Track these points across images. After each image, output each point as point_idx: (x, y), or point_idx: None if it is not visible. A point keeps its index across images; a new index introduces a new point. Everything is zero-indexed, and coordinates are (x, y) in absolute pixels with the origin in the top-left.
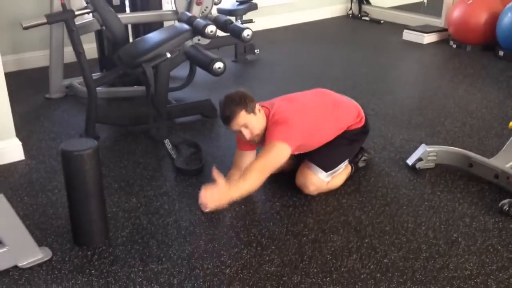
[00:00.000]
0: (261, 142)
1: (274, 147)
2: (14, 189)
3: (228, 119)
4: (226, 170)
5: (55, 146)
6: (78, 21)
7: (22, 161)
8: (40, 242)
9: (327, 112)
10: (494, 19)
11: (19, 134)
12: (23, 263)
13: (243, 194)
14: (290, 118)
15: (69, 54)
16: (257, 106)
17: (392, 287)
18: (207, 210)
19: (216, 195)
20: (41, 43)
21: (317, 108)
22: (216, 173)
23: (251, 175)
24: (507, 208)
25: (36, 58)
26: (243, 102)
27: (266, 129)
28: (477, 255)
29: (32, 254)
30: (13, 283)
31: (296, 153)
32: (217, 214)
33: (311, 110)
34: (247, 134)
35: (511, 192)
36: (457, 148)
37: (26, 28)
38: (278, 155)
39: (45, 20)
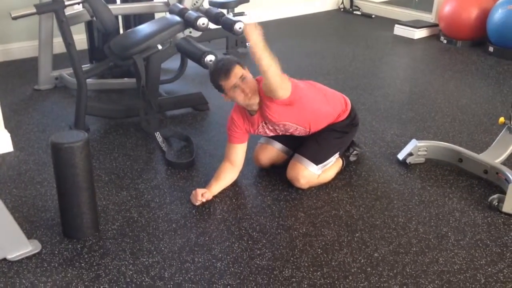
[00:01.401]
0: (255, 115)
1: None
2: (2, 181)
3: (227, 71)
4: (217, 164)
5: (44, 138)
6: (68, 11)
7: (10, 153)
8: (29, 235)
9: (319, 93)
10: (484, 15)
11: (8, 125)
12: (12, 256)
13: (268, 65)
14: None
15: (58, 45)
16: (246, 67)
17: (382, 281)
18: (252, 31)
19: (259, 32)
20: (30, 33)
21: (309, 88)
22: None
23: (275, 64)
24: (496, 203)
25: (25, 48)
26: (236, 58)
27: (260, 98)
28: (466, 250)
29: (21, 247)
30: (2, 276)
31: (293, 132)
32: (208, 207)
33: (304, 85)
34: (245, 87)
35: (500, 187)
36: (447, 143)
37: (15, 18)
38: (283, 76)
39: (34, 10)
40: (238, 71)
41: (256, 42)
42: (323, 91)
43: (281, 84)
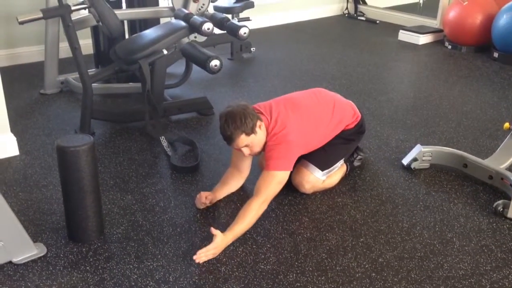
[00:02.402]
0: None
1: (273, 177)
2: (8, 185)
3: (228, 139)
4: (222, 168)
5: (50, 141)
6: (74, 16)
7: (16, 156)
8: (35, 238)
9: (327, 113)
10: (489, 20)
11: (14, 129)
12: (18, 259)
13: (239, 235)
14: (290, 133)
15: (64, 50)
16: (258, 123)
17: (387, 286)
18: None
19: (210, 251)
20: (36, 38)
21: (317, 111)
22: (213, 230)
23: (248, 216)
24: (501, 209)
25: (31, 53)
26: (244, 124)
27: (265, 142)
28: (471, 255)
29: (26, 250)
30: (7, 279)
31: None
32: (212, 212)
33: (311, 115)
34: (246, 152)
35: (505, 193)
36: (451, 149)
37: (21, 23)
38: (278, 184)
39: (41, 15)
40: (241, 142)
41: (220, 250)
42: (331, 104)
43: (272, 194)
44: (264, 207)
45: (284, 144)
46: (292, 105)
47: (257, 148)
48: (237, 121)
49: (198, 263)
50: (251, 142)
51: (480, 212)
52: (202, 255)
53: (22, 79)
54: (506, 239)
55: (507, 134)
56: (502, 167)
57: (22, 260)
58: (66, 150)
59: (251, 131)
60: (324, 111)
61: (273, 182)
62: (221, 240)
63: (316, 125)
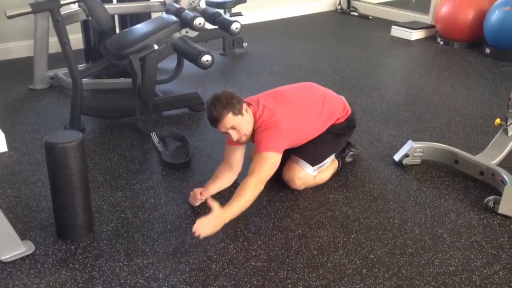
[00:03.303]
0: (250, 140)
1: (266, 159)
2: None
3: (215, 121)
4: (213, 164)
5: (39, 138)
6: (64, 10)
7: (4, 153)
8: (22, 236)
9: (317, 107)
10: (481, 16)
11: (2, 125)
12: (5, 256)
13: (237, 213)
14: (279, 121)
15: (54, 44)
16: (244, 106)
17: (378, 283)
18: (201, 237)
19: (210, 223)
20: (25, 32)
21: (307, 104)
22: (211, 202)
23: (245, 194)
24: (492, 205)
25: (20, 48)
26: (230, 104)
27: (254, 130)
28: (462, 251)
29: (14, 248)
30: None
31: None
32: (203, 208)
33: (300, 107)
34: (234, 135)
35: (496, 189)
36: (443, 145)
37: (10, 17)
38: (271, 166)
39: (29, 9)
40: (228, 122)
41: (216, 229)
42: (321, 98)
43: (264, 182)
44: (260, 187)
45: (273, 129)
46: (281, 97)
47: (245, 131)
48: (223, 102)
49: (188, 261)
50: (238, 124)
51: (471, 208)
52: (201, 227)
53: (11, 75)
54: (497, 235)
55: (498, 130)
56: (493, 163)
57: (10, 258)
58: (54, 147)
59: (238, 112)
60: (313, 104)
61: (266, 164)
62: (219, 214)
63: (306, 117)
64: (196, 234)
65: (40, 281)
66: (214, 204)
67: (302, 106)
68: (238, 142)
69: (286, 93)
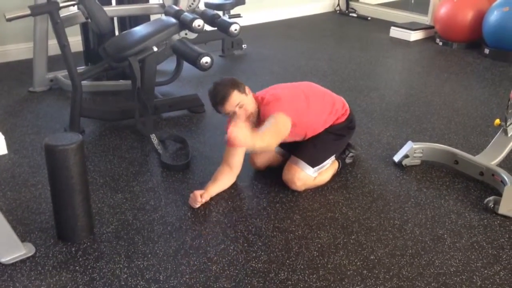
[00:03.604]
0: (255, 127)
1: (277, 117)
2: None
3: (222, 100)
4: (212, 166)
5: (38, 140)
6: (63, 13)
7: (5, 155)
8: (23, 238)
9: (318, 98)
10: (480, 17)
11: (2, 127)
12: (6, 259)
13: (262, 146)
14: (281, 95)
15: (53, 47)
16: (246, 88)
17: (378, 284)
18: (236, 141)
19: (244, 128)
20: (24, 35)
21: (308, 92)
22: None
23: (268, 133)
24: (492, 205)
25: (20, 50)
26: (234, 83)
27: (259, 114)
28: (462, 252)
29: (15, 250)
30: None
31: (288, 140)
32: (203, 210)
33: (303, 95)
34: (242, 114)
35: (496, 189)
36: (443, 145)
37: (9, 20)
38: (283, 123)
39: (29, 12)
40: (235, 99)
41: (246, 144)
42: (322, 95)
43: (280, 140)
44: (278, 137)
45: (278, 102)
46: (282, 86)
47: (251, 109)
48: (227, 82)
49: (188, 262)
50: (244, 101)
51: (471, 208)
52: (235, 130)
53: (11, 77)
54: (497, 236)
55: (498, 130)
56: (493, 163)
57: (10, 260)
58: (54, 149)
59: (243, 90)
60: (315, 96)
61: (278, 120)
62: (246, 126)
63: (308, 104)
64: (232, 136)
65: (41, 283)
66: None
67: (304, 95)
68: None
69: (286, 84)
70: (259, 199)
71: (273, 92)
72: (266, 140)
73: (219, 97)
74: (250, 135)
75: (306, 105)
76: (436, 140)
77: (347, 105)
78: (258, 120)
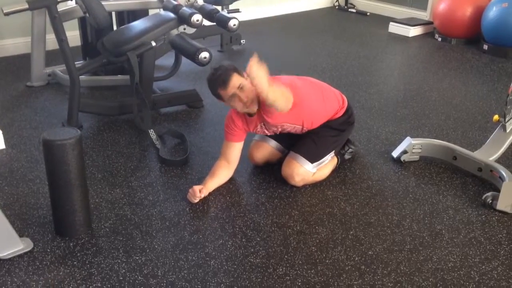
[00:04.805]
0: (254, 116)
1: (276, 87)
2: None
3: (224, 82)
4: (211, 161)
5: (36, 135)
6: (61, 7)
7: (2, 150)
8: (21, 233)
9: (317, 88)
10: (479, 12)
11: (0, 122)
12: (4, 254)
13: (272, 96)
14: (281, 77)
15: (51, 41)
16: (245, 74)
17: (376, 279)
18: (255, 73)
19: (263, 68)
20: (22, 29)
21: (306, 83)
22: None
23: (278, 90)
24: (490, 201)
25: (18, 45)
26: (233, 67)
27: (259, 104)
28: (460, 247)
29: (12, 245)
30: None
31: (287, 129)
32: (202, 205)
33: (302, 84)
34: (243, 96)
35: (494, 185)
36: (441, 141)
37: (7, 14)
38: (287, 91)
39: (26, 6)
40: (236, 81)
41: (262, 81)
42: (320, 87)
43: (286, 105)
44: (284, 97)
45: (279, 81)
46: (280, 77)
47: (250, 93)
48: (226, 66)
49: (187, 257)
50: (244, 84)
51: (469, 204)
52: (257, 65)
53: (8, 72)
54: (495, 231)
55: (496, 126)
56: (491, 159)
57: (8, 255)
58: (52, 144)
59: (242, 74)
60: (313, 87)
61: (284, 88)
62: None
63: (308, 92)
64: (254, 67)
65: (39, 278)
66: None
67: (303, 84)
68: (238, 136)
69: (285, 76)
70: (258, 195)
71: (274, 79)
72: (277, 94)
73: (220, 80)
74: (265, 76)
75: (306, 91)
76: (434, 136)
77: (345, 98)
78: (259, 108)
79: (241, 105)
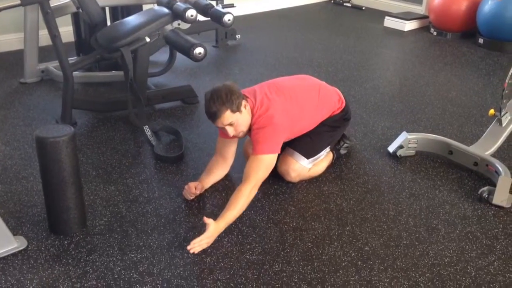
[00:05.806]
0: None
1: (262, 161)
2: None
3: (213, 116)
4: (206, 157)
5: (30, 132)
6: (54, 3)
7: None
8: (15, 231)
9: (313, 97)
10: (474, 6)
11: None
12: None
13: (231, 221)
14: (274, 116)
15: (44, 37)
16: (243, 102)
17: (373, 275)
18: (196, 252)
19: (204, 240)
20: (15, 25)
21: (303, 94)
22: (206, 220)
23: (239, 201)
24: (486, 196)
25: (10, 41)
26: (229, 100)
27: (251, 126)
28: (456, 242)
29: (6, 243)
30: None
31: (286, 140)
32: (197, 202)
33: (297, 97)
34: (231, 132)
35: (490, 180)
36: (437, 136)
37: None
38: (266, 168)
39: (18, 2)
40: (226, 119)
41: (210, 243)
42: (317, 88)
43: (262, 178)
44: (254, 191)
45: (269, 127)
46: (276, 88)
47: (242, 128)
48: (223, 97)
49: (182, 255)
50: (236, 120)
51: (465, 199)
52: (196, 245)
53: (1, 68)
54: (491, 226)
55: (492, 120)
56: (487, 153)
57: (2, 254)
58: (45, 141)
59: (236, 108)
60: (309, 95)
61: (262, 167)
62: (214, 229)
63: (301, 108)
64: (191, 252)
65: (33, 277)
66: (209, 221)
67: (299, 96)
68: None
69: (282, 83)
70: None
71: (268, 103)
72: (234, 214)
73: (210, 113)
74: (211, 237)
75: (300, 111)
76: (430, 131)
77: (343, 97)
78: (248, 132)
79: (232, 133)
